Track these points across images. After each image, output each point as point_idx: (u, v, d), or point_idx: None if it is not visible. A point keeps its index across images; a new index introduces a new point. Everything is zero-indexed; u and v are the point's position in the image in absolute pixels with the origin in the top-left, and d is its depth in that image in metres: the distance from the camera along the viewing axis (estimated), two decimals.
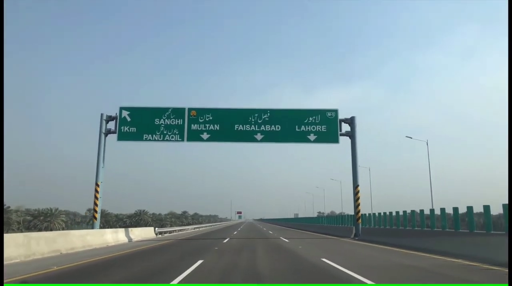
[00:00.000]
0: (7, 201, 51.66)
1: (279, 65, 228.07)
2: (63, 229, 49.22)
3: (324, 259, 10.35)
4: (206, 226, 59.12)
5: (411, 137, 31.54)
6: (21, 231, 44.15)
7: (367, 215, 22.25)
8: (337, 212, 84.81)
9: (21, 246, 10.71)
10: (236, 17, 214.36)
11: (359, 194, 21.69)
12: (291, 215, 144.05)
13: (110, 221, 70.34)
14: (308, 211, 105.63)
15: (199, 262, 9.84)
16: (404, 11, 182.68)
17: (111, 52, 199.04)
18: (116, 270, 8.99)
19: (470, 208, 11.93)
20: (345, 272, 7.91)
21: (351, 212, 24.03)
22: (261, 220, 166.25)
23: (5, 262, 9.20)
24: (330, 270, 8.39)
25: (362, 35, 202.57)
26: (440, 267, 8.96)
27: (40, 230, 48.34)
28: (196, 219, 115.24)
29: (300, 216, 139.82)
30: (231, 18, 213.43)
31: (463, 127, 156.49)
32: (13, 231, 45.35)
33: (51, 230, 48.84)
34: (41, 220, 54.20)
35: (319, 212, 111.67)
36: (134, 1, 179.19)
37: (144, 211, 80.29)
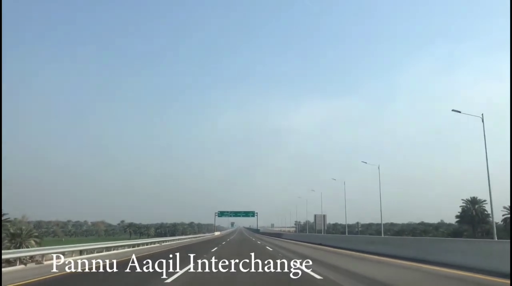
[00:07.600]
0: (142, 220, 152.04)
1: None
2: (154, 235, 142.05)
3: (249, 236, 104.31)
4: (226, 231, 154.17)
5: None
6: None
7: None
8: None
9: (217, 233, 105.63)
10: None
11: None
12: (268, 225, 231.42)
13: (166, 227, 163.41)
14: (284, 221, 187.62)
15: (235, 233, 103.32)
16: None
17: None
18: (223, 237, 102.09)
19: None
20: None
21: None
22: (249, 228, 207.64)
23: (216, 234, 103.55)
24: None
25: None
26: None
27: (149, 234, 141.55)
28: (200, 227, 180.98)
29: (275, 225, 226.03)
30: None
31: None
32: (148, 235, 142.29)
33: (149, 234, 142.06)
34: (143, 230, 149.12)
35: (296, 221, 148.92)
36: None
37: (179, 223, 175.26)
